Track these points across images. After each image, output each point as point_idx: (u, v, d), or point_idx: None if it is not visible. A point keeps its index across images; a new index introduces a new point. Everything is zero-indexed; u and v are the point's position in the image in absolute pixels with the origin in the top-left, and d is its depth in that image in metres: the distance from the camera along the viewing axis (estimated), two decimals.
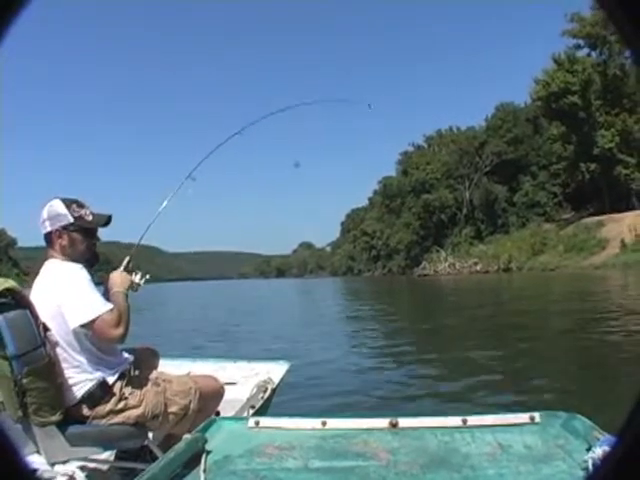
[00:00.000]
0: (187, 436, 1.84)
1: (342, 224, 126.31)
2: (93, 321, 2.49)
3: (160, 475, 1.61)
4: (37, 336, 2.37)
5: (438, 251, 69.82)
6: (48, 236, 2.67)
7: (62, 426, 2.48)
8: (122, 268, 2.89)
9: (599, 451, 1.53)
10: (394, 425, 1.97)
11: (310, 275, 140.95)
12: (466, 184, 72.93)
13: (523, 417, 1.96)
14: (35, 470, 2.41)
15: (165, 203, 3.29)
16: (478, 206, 71.26)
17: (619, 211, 50.26)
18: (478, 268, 59.84)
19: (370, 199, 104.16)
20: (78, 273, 2.60)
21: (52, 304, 2.52)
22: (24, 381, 2.35)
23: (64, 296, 2.52)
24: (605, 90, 53.70)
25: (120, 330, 2.53)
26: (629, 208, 50.50)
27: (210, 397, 2.84)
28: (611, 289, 23.49)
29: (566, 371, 7.81)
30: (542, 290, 27.20)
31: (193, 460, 1.74)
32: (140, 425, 2.60)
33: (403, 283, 49.88)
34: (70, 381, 2.53)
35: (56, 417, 2.44)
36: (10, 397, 2.41)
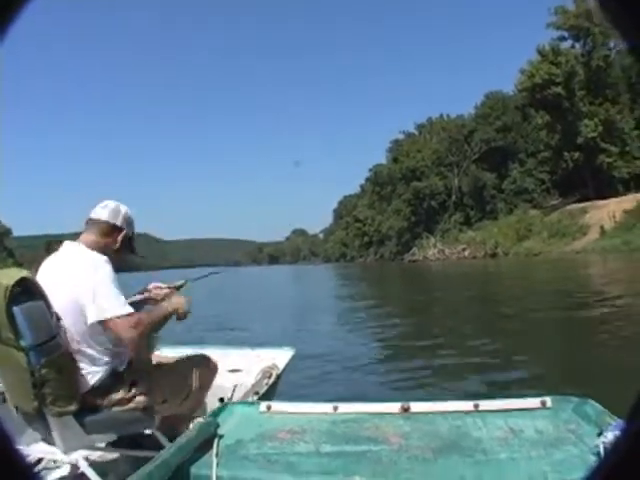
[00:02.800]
0: (200, 420, 1.88)
1: (335, 211, 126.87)
2: (107, 321, 2.44)
3: (172, 459, 1.64)
4: (52, 326, 2.35)
5: (428, 237, 71.13)
6: (112, 227, 2.65)
7: (77, 415, 2.47)
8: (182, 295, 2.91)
9: (610, 436, 1.55)
10: (406, 410, 1.97)
11: (303, 261, 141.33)
12: (455, 171, 74.23)
13: (534, 402, 1.96)
14: (30, 461, 2.58)
15: None
16: (467, 193, 72.45)
17: (604, 197, 51.10)
18: (466, 254, 60.84)
19: (362, 186, 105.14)
20: (104, 266, 2.51)
21: (72, 293, 2.46)
22: (43, 372, 2.31)
23: (87, 287, 2.45)
24: (588, 81, 54.75)
25: (132, 334, 2.45)
26: (614, 195, 51.38)
27: (206, 372, 2.90)
28: (586, 272, 25.01)
29: (556, 353, 7.87)
30: (525, 274, 28.81)
31: (205, 444, 1.77)
32: (149, 410, 2.64)
33: (393, 269, 50.76)
34: (83, 370, 2.52)
35: (73, 406, 2.42)
36: (24, 389, 2.35)
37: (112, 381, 2.56)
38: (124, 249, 2.69)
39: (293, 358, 4.14)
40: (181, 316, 2.72)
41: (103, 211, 2.65)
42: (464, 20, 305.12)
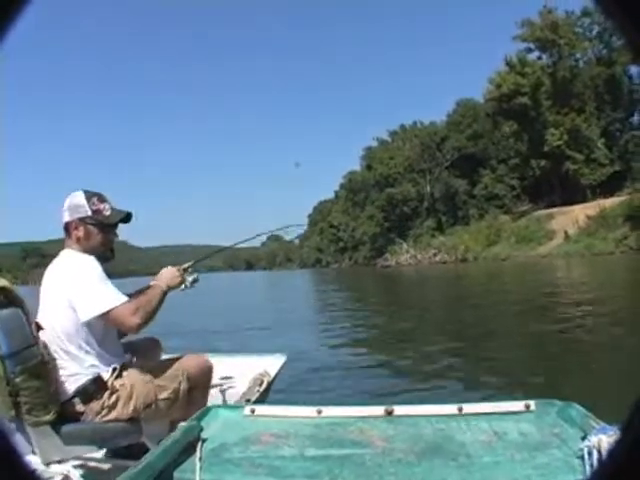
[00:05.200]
0: (183, 424, 1.85)
1: (309, 216, 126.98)
2: (106, 313, 2.45)
3: (156, 463, 1.61)
4: (29, 335, 2.34)
5: (400, 243, 71.96)
6: (66, 226, 2.66)
7: (56, 425, 2.43)
8: (182, 267, 2.87)
9: (594, 439, 1.53)
10: (389, 413, 1.96)
11: (279, 267, 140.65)
12: (427, 178, 75.25)
13: (518, 405, 1.95)
14: (35, 471, 2.99)
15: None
16: (439, 199, 73.36)
17: (572, 204, 52.14)
18: (437, 259, 61.46)
19: (336, 192, 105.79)
20: (90, 265, 2.54)
21: (62, 295, 2.49)
22: (17, 380, 2.30)
23: (75, 288, 2.48)
24: (555, 91, 56.21)
25: (135, 320, 2.47)
26: (581, 201, 52.46)
27: (199, 373, 2.77)
28: (549, 275, 25.89)
29: (530, 355, 7.82)
30: (491, 277, 29.84)
31: (189, 448, 1.75)
32: (135, 420, 2.55)
33: (366, 275, 50.92)
34: (65, 377, 2.49)
35: (49, 416, 2.39)
36: (3, 397, 2.34)
37: (95, 388, 2.52)
38: (93, 232, 2.66)
39: (285, 365, 4.08)
40: (178, 286, 2.77)
41: (62, 215, 2.70)
42: (437, 25, 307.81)
